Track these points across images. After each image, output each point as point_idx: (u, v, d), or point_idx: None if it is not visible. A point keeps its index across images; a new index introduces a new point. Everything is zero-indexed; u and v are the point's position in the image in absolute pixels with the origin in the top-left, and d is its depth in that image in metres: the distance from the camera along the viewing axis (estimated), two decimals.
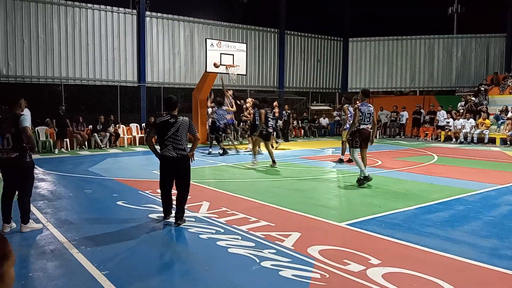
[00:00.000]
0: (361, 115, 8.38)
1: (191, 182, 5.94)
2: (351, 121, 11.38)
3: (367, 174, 8.27)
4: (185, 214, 5.78)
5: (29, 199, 5.58)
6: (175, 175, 5.76)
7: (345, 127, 11.62)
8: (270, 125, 11.06)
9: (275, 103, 15.43)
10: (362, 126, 8.45)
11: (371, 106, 8.63)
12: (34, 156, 13.04)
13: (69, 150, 15.38)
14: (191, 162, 5.83)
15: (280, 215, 6.21)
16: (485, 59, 23.61)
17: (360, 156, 8.54)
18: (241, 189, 8.02)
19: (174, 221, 5.65)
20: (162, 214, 5.93)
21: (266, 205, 6.76)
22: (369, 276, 3.92)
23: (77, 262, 4.33)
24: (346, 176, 9.76)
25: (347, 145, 11.28)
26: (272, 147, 15.33)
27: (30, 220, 5.51)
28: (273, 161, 10.88)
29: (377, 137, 21.53)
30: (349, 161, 11.33)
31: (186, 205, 5.87)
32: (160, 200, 6.01)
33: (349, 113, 11.48)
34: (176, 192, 5.87)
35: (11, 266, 1.42)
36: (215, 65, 15.76)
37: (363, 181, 8.24)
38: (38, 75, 16.46)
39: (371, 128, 8.60)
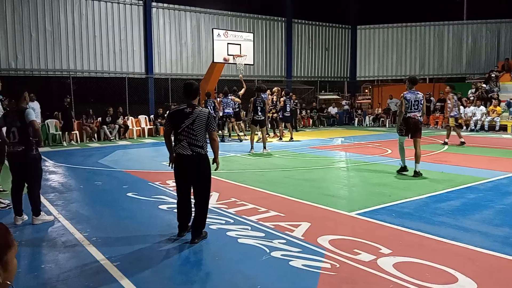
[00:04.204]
0: (407, 102, 8.11)
1: None
2: (450, 109, 12.99)
3: (404, 165, 8.39)
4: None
5: (39, 192, 5.60)
6: (191, 178, 4.72)
7: (451, 114, 13.03)
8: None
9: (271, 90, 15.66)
10: (408, 114, 8.16)
11: (420, 93, 8.28)
12: (45, 149, 13.27)
13: (79, 142, 15.49)
14: (214, 170, 4.81)
15: (290, 205, 6.19)
16: (496, 45, 23.21)
17: (415, 147, 8.33)
18: (250, 180, 8.02)
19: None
20: (172, 206, 5.91)
21: (275, 195, 6.75)
22: (380, 266, 3.90)
23: (89, 253, 4.37)
24: (355, 166, 9.71)
25: (452, 131, 13.11)
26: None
27: (41, 212, 5.56)
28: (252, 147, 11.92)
29: (387, 126, 21.41)
30: (461, 143, 12.73)
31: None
32: (172, 192, 5.88)
33: (454, 101, 12.99)
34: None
35: (14, 255, 1.46)
36: (225, 60, 15.76)
37: (400, 171, 8.41)
38: (46, 68, 16.52)
39: (420, 116, 8.27)
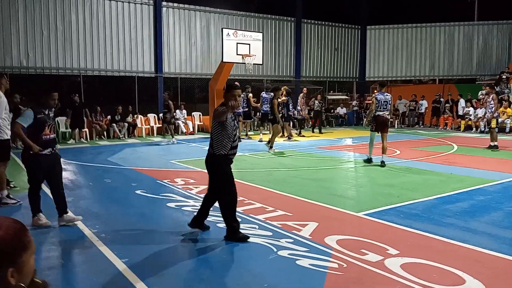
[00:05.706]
0: (377, 102, 9.39)
1: None
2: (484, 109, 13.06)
3: (370, 157, 9.70)
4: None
5: (32, 192, 5.33)
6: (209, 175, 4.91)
7: (495, 115, 12.55)
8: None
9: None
10: (378, 113, 9.44)
11: (388, 95, 9.56)
12: None
13: (89, 140, 15.61)
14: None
15: (297, 204, 6.21)
16: (507, 46, 22.95)
17: (382, 140, 9.64)
18: (258, 179, 8.04)
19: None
20: (180, 204, 5.95)
21: (283, 195, 6.76)
22: (387, 266, 3.90)
23: (98, 250, 4.41)
24: (363, 167, 9.69)
25: (494, 133, 12.37)
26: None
27: (40, 214, 5.30)
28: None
29: (395, 127, 21.30)
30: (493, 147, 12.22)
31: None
32: (180, 191, 5.96)
33: (497, 101, 12.66)
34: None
35: (31, 256, 1.36)
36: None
37: (366, 161, 9.71)
38: (57, 66, 16.67)
39: (388, 115, 9.60)
